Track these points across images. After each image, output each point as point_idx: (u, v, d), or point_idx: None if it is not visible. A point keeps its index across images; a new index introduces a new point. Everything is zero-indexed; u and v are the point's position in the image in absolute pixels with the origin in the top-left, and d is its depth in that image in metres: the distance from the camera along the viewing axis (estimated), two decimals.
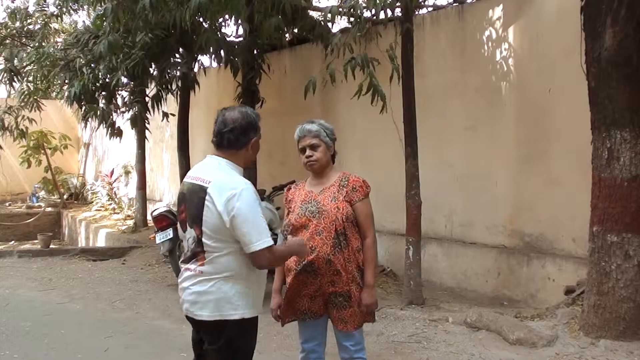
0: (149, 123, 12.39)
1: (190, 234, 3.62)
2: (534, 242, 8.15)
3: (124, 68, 10.32)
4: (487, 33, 8.71)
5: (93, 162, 23.03)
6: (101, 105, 11.79)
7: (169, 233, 8.93)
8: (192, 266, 3.62)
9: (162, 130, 17.20)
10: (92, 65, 11.00)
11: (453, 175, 9.16)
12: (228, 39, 11.15)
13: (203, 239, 3.53)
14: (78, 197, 22.35)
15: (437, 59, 9.37)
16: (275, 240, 8.72)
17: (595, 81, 5.96)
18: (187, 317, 3.75)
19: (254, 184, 11.10)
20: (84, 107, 11.73)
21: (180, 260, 3.79)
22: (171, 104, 12.60)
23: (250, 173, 11.11)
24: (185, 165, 12.63)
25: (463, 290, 8.85)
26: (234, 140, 3.65)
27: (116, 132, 11.73)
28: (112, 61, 10.32)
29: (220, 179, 3.55)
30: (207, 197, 3.48)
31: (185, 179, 3.75)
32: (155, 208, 10.10)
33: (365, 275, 4.21)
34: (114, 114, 11.75)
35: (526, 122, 8.21)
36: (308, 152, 4.30)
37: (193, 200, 3.56)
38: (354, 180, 4.27)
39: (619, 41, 5.71)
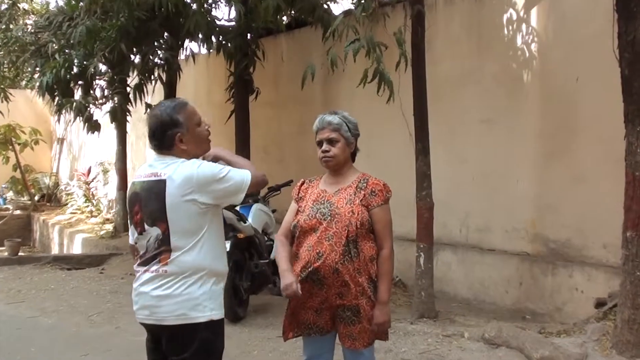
0: (130, 116, 12.34)
1: (152, 232, 3.71)
2: (559, 249, 8.10)
3: (100, 54, 10.23)
4: (506, 15, 8.67)
5: (68, 160, 23.00)
6: (77, 96, 11.72)
7: None
8: (153, 267, 3.71)
9: (145, 124, 17.16)
10: (67, 51, 10.93)
11: (469, 173, 9.11)
12: (219, 22, 11.09)
13: (170, 236, 3.66)
14: (51, 199, 22.33)
15: (451, 45, 9.33)
16: (271, 247, 8.65)
17: (629, 68, 5.90)
18: (146, 325, 3.81)
19: None
20: (57, 98, 11.66)
21: (136, 263, 3.82)
22: (157, 95, 12.55)
23: None
24: None
25: (480, 303, 8.81)
26: (160, 143, 3.83)
27: (94, 126, 11.66)
28: (88, 47, 10.25)
29: (174, 168, 3.71)
30: (167, 189, 3.65)
31: (134, 180, 3.88)
32: None
33: (379, 291, 4.11)
34: (91, 106, 11.68)
35: (551, 114, 8.16)
36: (325, 147, 4.22)
37: (151, 197, 3.70)
38: (373, 183, 4.19)
39: None
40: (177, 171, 3.68)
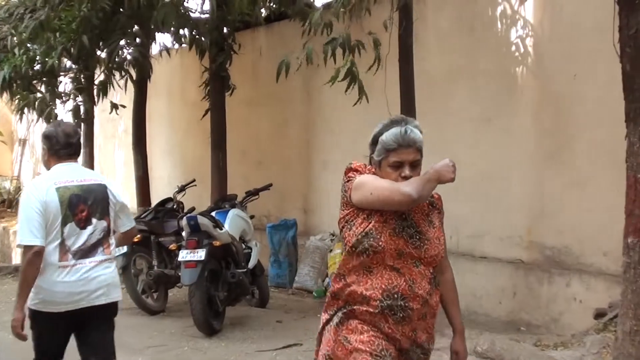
0: (92, 115, 12.31)
1: (98, 225, 4.76)
2: (556, 256, 8.11)
3: (60, 48, 10.12)
4: (500, 7, 8.68)
5: (30, 162, 22.81)
6: (40, 93, 11.63)
7: (123, 247, 8.82)
8: (98, 257, 4.74)
9: (114, 124, 17.07)
10: (28, 45, 10.84)
11: (460, 176, 9.01)
12: (192, 14, 11.04)
13: (111, 227, 4.85)
14: (12, 204, 22.12)
15: (440, 39, 9.33)
16: (249, 255, 8.69)
17: (630, 64, 5.89)
18: (78, 311, 4.67)
19: (224, 186, 11.09)
20: (17, 96, 11.57)
21: (66, 259, 4.64)
22: (128, 93, 12.47)
23: (219, 176, 11.03)
24: (142, 166, 12.51)
25: (472, 314, 8.79)
26: (78, 149, 4.95)
27: None
28: (50, 40, 10.17)
29: (98, 176, 5.21)
30: (108, 191, 4.85)
31: (65, 184, 4.72)
32: None
33: (455, 319, 3.82)
34: (55, 105, 11.58)
35: (547, 113, 8.17)
36: (407, 172, 3.50)
37: (97, 197, 4.77)
38: (438, 198, 3.76)
39: None
40: (105, 179, 5.02)
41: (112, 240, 4.85)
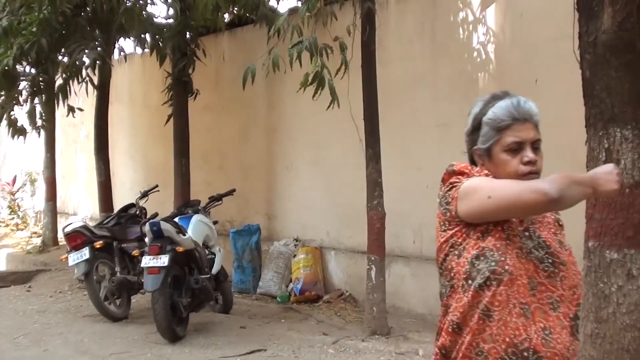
0: (45, 120, 12.20)
1: None
2: None
3: (19, 50, 10.02)
4: (462, 14, 8.70)
5: None
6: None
7: (85, 253, 8.74)
8: None
9: (76, 129, 16.91)
10: None
11: (422, 181, 9.09)
12: (155, 19, 10.98)
13: None
14: None
15: (403, 45, 9.33)
16: (212, 261, 8.74)
17: (590, 70, 5.88)
18: None
19: (187, 192, 11.03)
20: None
21: None
22: (90, 98, 12.35)
23: (182, 181, 10.97)
24: (104, 171, 12.42)
25: (436, 318, 8.68)
26: None
27: (19, 131, 11.44)
28: (8, 45, 10.09)
29: None
30: None
31: None
32: (68, 223, 9.87)
33: None
34: (12, 108, 11.44)
35: None
36: (530, 155, 2.72)
37: None
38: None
39: (619, 22, 5.63)
40: None
41: None
